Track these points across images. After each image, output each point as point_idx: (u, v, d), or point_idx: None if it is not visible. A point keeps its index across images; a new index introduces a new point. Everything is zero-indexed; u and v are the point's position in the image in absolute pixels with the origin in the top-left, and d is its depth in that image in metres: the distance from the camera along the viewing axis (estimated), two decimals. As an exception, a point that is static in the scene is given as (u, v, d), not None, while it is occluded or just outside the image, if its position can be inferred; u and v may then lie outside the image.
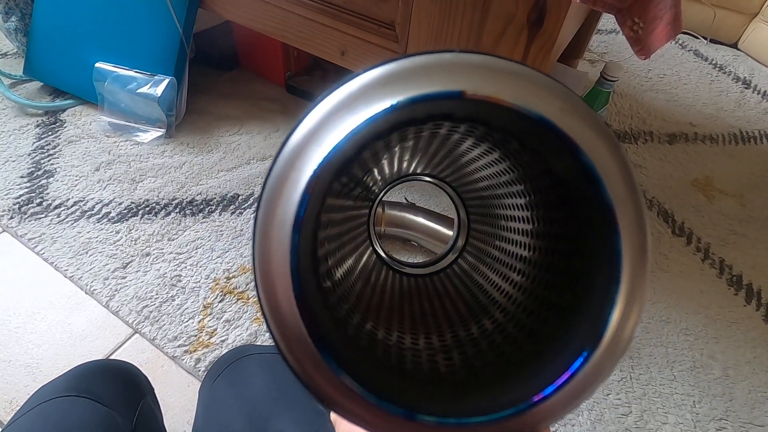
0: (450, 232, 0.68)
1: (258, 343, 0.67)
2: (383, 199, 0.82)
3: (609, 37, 1.56)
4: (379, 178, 0.26)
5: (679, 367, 0.70)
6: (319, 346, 0.12)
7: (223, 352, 0.66)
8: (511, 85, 0.11)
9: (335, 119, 0.11)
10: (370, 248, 0.30)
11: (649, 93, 1.30)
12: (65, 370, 0.61)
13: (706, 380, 0.69)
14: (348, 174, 0.15)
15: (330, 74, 1.16)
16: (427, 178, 0.28)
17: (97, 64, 0.94)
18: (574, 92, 0.11)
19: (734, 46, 1.57)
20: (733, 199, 1.00)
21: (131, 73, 0.93)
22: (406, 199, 0.85)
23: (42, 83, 1.04)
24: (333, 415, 0.20)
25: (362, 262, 0.25)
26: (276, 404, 0.44)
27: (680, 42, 1.56)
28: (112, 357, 0.65)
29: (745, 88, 1.37)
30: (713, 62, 1.47)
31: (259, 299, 0.12)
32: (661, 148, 1.11)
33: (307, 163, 0.11)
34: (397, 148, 0.19)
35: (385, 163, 0.22)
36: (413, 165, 0.27)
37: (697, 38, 1.57)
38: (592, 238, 0.12)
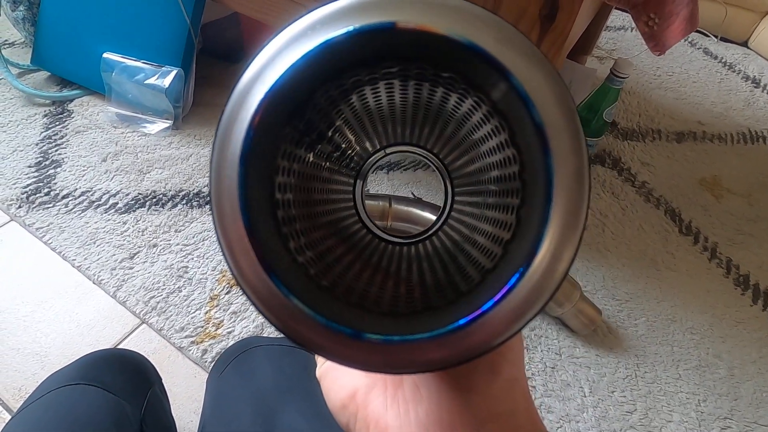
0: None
1: (265, 335, 0.67)
2: (392, 194, 0.81)
3: (618, 34, 1.55)
4: (356, 145, 0.26)
5: (684, 366, 0.70)
6: (269, 271, 0.12)
7: (230, 344, 0.66)
8: (445, 16, 0.11)
9: (278, 59, 0.12)
10: (356, 217, 0.30)
11: (657, 91, 1.29)
12: (73, 359, 0.62)
13: (711, 379, 0.69)
14: (303, 120, 0.16)
15: (337, 68, 1.16)
16: (405, 148, 0.28)
17: (104, 55, 0.94)
18: (512, 26, 0.12)
19: (744, 44, 1.55)
20: (741, 198, 1.00)
21: (139, 63, 0.93)
22: (413, 193, 0.85)
23: (49, 73, 1.04)
24: (318, 372, 0.21)
25: (342, 225, 0.26)
26: (284, 396, 0.44)
27: (690, 40, 1.54)
28: (119, 347, 0.66)
29: (755, 87, 1.36)
30: (723, 60, 1.46)
31: (217, 235, 0.13)
32: (669, 147, 1.11)
33: (252, 100, 0.12)
34: (359, 105, 0.20)
35: (354, 124, 0.22)
36: (393, 136, 0.27)
37: (707, 36, 1.55)
38: (530, 163, 0.12)
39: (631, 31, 1.57)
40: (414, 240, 0.30)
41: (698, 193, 0.99)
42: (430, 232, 0.29)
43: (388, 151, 0.29)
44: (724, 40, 1.55)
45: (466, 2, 0.12)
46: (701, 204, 0.97)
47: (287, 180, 0.16)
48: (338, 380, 0.20)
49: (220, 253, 0.14)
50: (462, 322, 0.12)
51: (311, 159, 0.20)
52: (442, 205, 0.29)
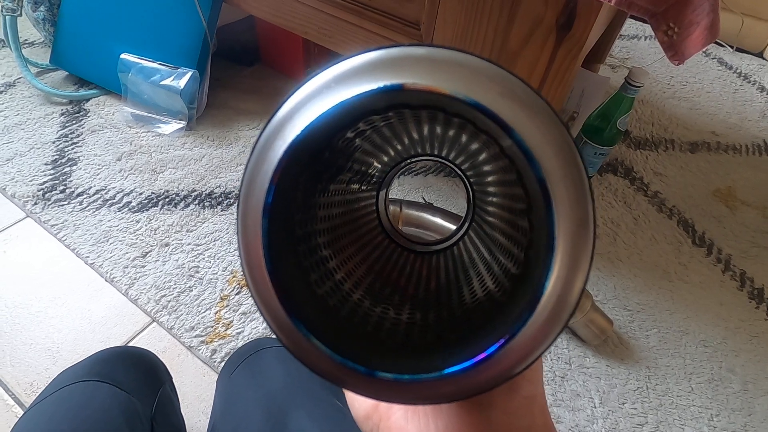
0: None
1: (274, 336, 0.68)
2: (403, 198, 0.81)
3: (631, 43, 1.54)
4: (376, 164, 0.27)
5: (696, 379, 0.69)
6: (290, 314, 0.14)
7: (239, 344, 0.66)
8: (450, 74, 0.12)
9: (296, 116, 0.13)
10: (378, 228, 0.31)
11: (671, 100, 1.29)
12: (85, 355, 0.62)
13: (724, 394, 0.68)
14: (321, 162, 0.17)
15: (349, 72, 1.16)
16: (429, 158, 0.29)
17: (122, 56, 0.95)
18: (516, 77, 0.12)
19: (760, 55, 1.54)
20: (756, 210, 0.98)
21: (155, 65, 0.94)
22: (423, 198, 0.85)
23: (67, 73, 1.06)
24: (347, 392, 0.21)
25: (364, 239, 0.27)
26: (294, 398, 0.44)
27: (704, 49, 1.53)
28: (130, 344, 0.66)
29: (771, 98, 1.35)
30: (738, 71, 1.44)
31: (244, 276, 0.14)
32: (683, 157, 1.10)
33: (273, 156, 0.13)
34: (376, 136, 0.21)
35: (372, 150, 0.24)
36: (413, 150, 0.28)
37: (723, 46, 1.54)
38: (535, 208, 0.13)
39: (645, 39, 1.57)
40: (436, 248, 0.30)
41: (712, 204, 0.98)
42: (454, 239, 0.30)
43: (411, 160, 0.29)
44: (739, 50, 1.54)
45: (471, 56, 0.12)
46: (715, 215, 0.96)
47: (307, 215, 0.18)
48: (362, 402, 0.20)
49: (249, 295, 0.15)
50: (467, 364, 0.13)
51: (331, 188, 0.21)
52: (465, 213, 0.29)
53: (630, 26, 1.61)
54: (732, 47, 1.53)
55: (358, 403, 0.20)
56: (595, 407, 0.65)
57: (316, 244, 0.19)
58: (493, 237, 0.23)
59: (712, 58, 1.49)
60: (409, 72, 0.12)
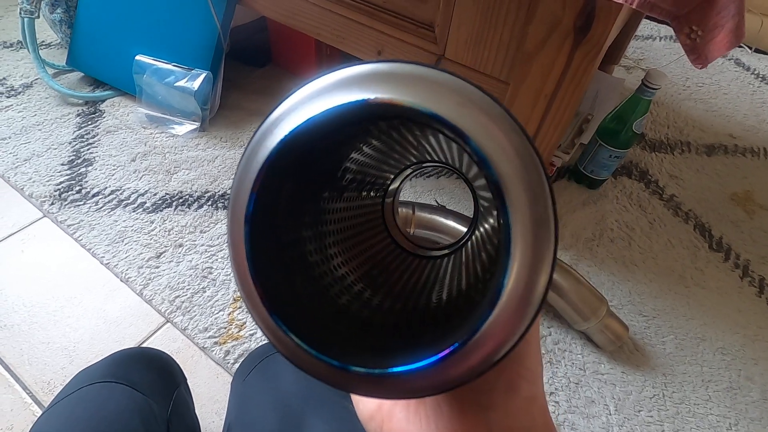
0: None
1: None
2: (416, 201, 0.81)
3: (646, 43, 1.52)
4: (374, 172, 0.28)
5: (714, 387, 0.68)
6: (271, 312, 0.15)
7: (252, 346, 0.67)
8: (411, 88, 0.13)
9: (271, 131, 0.14)
10: (383, 232, 0.32)
11: (686, 102, 1.27)
12: (100, 354, 0.63)
13: (743, 402, 0.67)
14: (307, 172, 0.18)
15: (361, 73, 1.16)
16: (434, 164, 0.30)
17: (137, 57, 0.96)
18: (475, 86, 0.13)
19: (779, 56, 1.51)
20: (775, 215, 0.96)
21: (170, 66, 0.95)
22: (436, 201, 0.84)
23: (83, 74, 1.08)
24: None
25: (367, 243, 0.28)
26: (308, 402, 0.44)
27: (721, 50, 1.51)
28: (144, 344, 0.67)
29: (790, 100, 1.32)
30: (755, 72, 1.42)
31: (234, 279, 0.16)
32: (699, 160, 1.08)
33: (254, 167, 0.14)
34: (367, 148, 0.22)
35: (364, 160, 0.25)
36: (408, 160, 0.29)
37: (741, 47, 1.51)
38: (498, 209, 0.14)
39: (660, 40, 1.55)
40: (439, 253, 0.31)
41: (729, 208, 0.97)
42: (460, 243, 0.30)
43: (418, 167, 0.30)
44: (758, 51, 1.51)
45: (432, 70, 0.13)
46: (732, 220, 0.94)
47: (297, 221, 0.19)
48: (370, 404, 0.20)
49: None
50: (433, 359, 0.13)
51: (328, 194, 0.22)
52: (473, 215, 0.30)
53: (645, 26, 1.58)
54: (750, 48, 1.50)
55: (363, 404, 0.20)
56: (610, 414, 0.64)
57: (308, 250, 0.20)
58: (487, 239, 0.24)
59: (729, 59, 1.47)
60: (374, 87, 0.13)
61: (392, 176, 0.32)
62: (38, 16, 0.97)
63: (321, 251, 0.22)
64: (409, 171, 0.31)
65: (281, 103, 0.15)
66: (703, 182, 1.02)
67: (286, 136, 0.14)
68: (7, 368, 0.63)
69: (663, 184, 1.00)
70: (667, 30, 1.59)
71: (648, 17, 1.61)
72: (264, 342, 0.67)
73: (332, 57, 1.14)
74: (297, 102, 0.14)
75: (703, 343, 0.73)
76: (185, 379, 0.52)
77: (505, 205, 0.12)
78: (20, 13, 0.94)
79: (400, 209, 0.77)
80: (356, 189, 0.27)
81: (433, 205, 0.81)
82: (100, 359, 0.47)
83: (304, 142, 0.14)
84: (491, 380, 0.17)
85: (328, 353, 0.15)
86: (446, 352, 0.13)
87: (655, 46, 1.51)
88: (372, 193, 0.30)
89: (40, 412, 0.60)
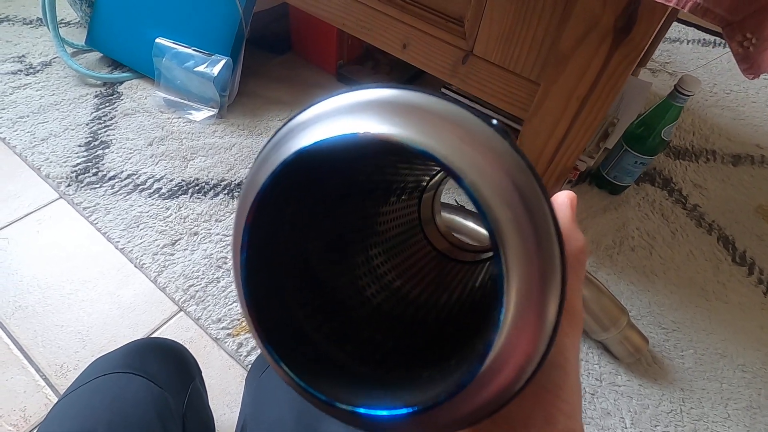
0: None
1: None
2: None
3: (673, 46, 1.48)
4: (403, 180, 0.27)
5: (734, 405, 0.67)
6: (266, 343, 0.15)
7: (265, 340, 0.66)
8: (408, 120, 0.12)
9: (265, 162, 0.14)
10: (419, 234, 0.31)
11: (713, 109, 1.23)
12: (113, 340, 0.62)
13: (763, 422, 0.65)
14: (307, 198, 0.17)
15: (381, 65, 1.14)
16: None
17: (157, 40, 0.95)
18: (482, 118, 0.12)
19: (810, 65, 1.46)
20: (801, 230, 0.94)
21: (189, 51, 0.94)
22: (456, 201, 0.83)
23: (101, 54, 1.06)
24: None
25: (404, 245, 0.28)
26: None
27: (751, 57, 1.46)
28: (157, 333, 0.66)
29: (821, 111, 1.28)
30: (786, 81, 1.38)
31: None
32: (724, 170, 1.05)
33: (250, 195, 0.14)
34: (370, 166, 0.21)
35: (391, 170, 0.24)
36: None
37: (770, 54, 1.47)
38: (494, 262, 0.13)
39: (687, 43, 1.50)
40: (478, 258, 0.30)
41: (754, 221, 0.94)
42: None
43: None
44: (788, 59, 1.46)
45: (439, 100, 0.12)
46: (757, 233, 0.91)
47: (304, 243, 0.18)
48: None
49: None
50: (415, 409, 0.13)
51: (340, 211, 0.21)
52: None
53: (673, 29, 1.54)
54: (781, 55, 1.46)
55: None
56: (626, 428, 0.63)
57: (316, 279, 0.19)
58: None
59: (759, 66, 1.42)
60: (367, 119, 0.12)
61: (426, 178, 0.30)
62: (59, -6, 0.95)
63: (348, 257, 0.21)
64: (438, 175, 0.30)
65: (281, 128, 0.14)
66: (728, 193, 0.99)
67: (276, 168, 0.13)
68: (21, 349, 0.63)
69: (686, 193, 0.98)
70: (695, 33, 1.54)
71: (679, 20, 1.57)
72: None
73: (353, 47, 1.12)
74: (295, 126, 0.14)
75: (724, 359, 0.72)
76: (200, 372, 0.51)
77: (499, 256, 0.11)
78: (41, -10, 0.93)
79: None
80: (382, 197, 0.26)
81: (452, 204, 0.79)
82: (116, 347, 0.46)
83: (298, 170, 0.14)
84: (527, 413, 0.16)
85: (316, 386, 0.14)
86: (430, 404, 0.13)
87: (683, 49, 1.47)
88: (403, 197, 0.29)
89: (53, 395, 0.60)
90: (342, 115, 0.13)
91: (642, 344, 0.67)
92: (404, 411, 0.13)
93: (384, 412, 0.13)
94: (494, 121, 0.12)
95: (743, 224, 0.93)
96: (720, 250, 0.88)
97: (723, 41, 1.53)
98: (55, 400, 0.60)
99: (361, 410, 0.13)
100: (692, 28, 1.56)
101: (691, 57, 1.44)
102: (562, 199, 0.19)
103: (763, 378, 0.70)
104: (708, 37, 1.53)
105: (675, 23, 1.55)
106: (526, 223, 0.11)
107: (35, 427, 0.57)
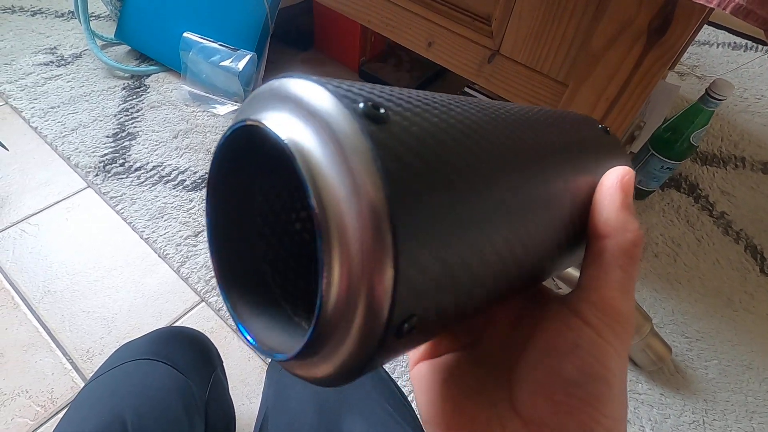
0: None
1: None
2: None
3: (702, 49, 1.45)
4: None
5: (759, 419, 0.65)
6: (220, 285, 0.16)
7: (284, 333, 0.67)
8: (263, 103, 0.12)
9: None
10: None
11: (743, 114, 1.20)
12: (137, 327, 0.64)
13: (790, 438, 0.63)
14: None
15: (404, 63, 1.14)
16: None
17: (184, 34, 0.96)
18: (337, 101, 0.11)
19: None
20: (834, 242, 0.91)
21: (216, 45, 0.95)
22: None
23: (129, 47, 1.09)
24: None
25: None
26: (347, 399, 0.44)
27: (785, 61, 1.42)
28: (179, 322, 0.68)
29: None
30: (821, 87, 1.33)
31: None
32: (754, 177, 1.02)
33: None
34: None
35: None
36: None
37: (806, 59, 1.42)
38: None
39: (717, 47, 1.46)
40: None
41: (785, 230, 0.91)
42: None
43: None
44: (824, 64, 1.41)
45: (309, 81, 0.12)
46: (787, 243, 0.89)
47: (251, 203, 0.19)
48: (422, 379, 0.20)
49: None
50: (286, 357, 0.13)
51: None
52: None
53: (703, 31, 1.50)
54: (817, 60, 1.41)
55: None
56: (646, 436, 0.62)
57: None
58: None
59: (793, 72, 1.38)
60: (256, 108, 0.12)
61: None
62: (91, -12, 0.98)
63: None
64: None
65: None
66: (758, 201, 0.97)
67: (219, 142, 0.14)
68: (49, 333, 0.65)
69: (713, 200, 0.95)
70: (726, 36, 1.50)
71: (710, 23, 1.53)
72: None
73: (376, 44, 1.12)
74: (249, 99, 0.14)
75: (749, 371, 0.70)
76: (222, 362, 0.52)
77: (320, 238, 0.11)
78: (75, -16, 0.95)
79: None
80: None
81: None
82: (140, 335, 0.47)
83: (238, 141, 0.14)
84: (561, 424, 0.15)
85: (247, 326, 0.15)
86: (301, 345, 0.12)
87: (712, 52, 1.43)
88: None
89: (79, 379, 0.62)
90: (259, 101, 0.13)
91: (665, 353, 0.65)
92: (283, 357, 0.13)
93: (278, 356, 0.14)
94: (361, 105, 0.11)
95: (773, 234, 0.90)
96: (747, 260, 0.85)
97: (755, 45, 1.48)
98: (81, 383, 0.61)
99: (278, 356, 0.14)
100: (723, 31, 1.52)
101: (721, 61, 1.40)
102: (611, 181, 0.17)
103: (790, 392, 0.68)
104: (739, 40, 1.49)
105: (705, 26, 1.51)
106: (343, 209, 0.11)
107: (61, 408, 0.59)
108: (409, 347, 0.13)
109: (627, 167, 0.17)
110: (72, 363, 0.63)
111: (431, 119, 0.13)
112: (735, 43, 1.48)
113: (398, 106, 0.12)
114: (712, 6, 0.43)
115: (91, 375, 0.50)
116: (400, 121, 0.12)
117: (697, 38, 1.49)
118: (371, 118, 0.11)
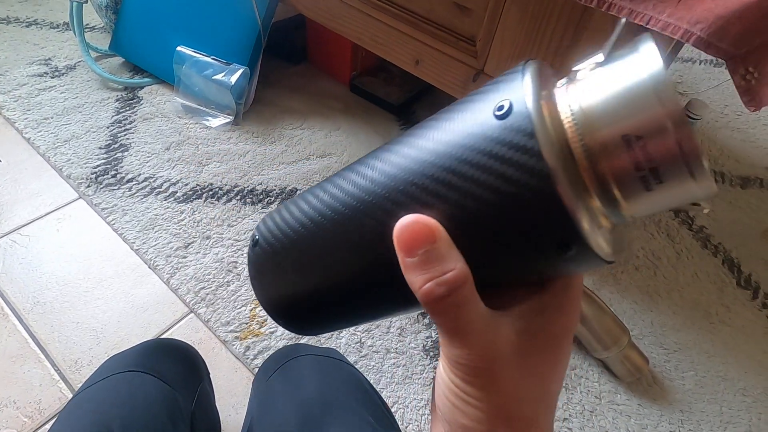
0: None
1: (310, 343, 0.69)
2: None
3: (685, 66, 1.49)
4: None
5: (733, 429, 0.67)
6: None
7: (272, 343, 0.68)
8: None
9: None
10: None
11: (723, 131, 1.24)
12: (126, 338, 0.65)
13: (762, 448, 0.65)
14: None
15: (395, 77, 1.17)
16: None
17: (178, 48, 0.98)
18: None
19: (824, 88, 1.46)
20: (809, 256, 0.94)
21: (209, 59, 0.97)
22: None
23: (123, 59, 1.10)
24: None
25: None
26: (330, 410, 0.45)
27: (763, 79, 1.46)
28: (168, 333, 0.68)
29: (833, 136, 1.28)
30: (798, 104, 1.37)
31: None
32: (732, 192, 1.05)
33: None
34: None
35: None
36: None
37: (783, 77, 1.47)
38: None
39: (700, 64, 1.51)
40: None
41: (761, 244, 0.94)
42: None
43: None
44: (801, 82, 1.46)
45: None
46: (764, 257, 0.92)
47: None
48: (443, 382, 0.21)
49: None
50: None
51: None
52: None
53: (685, 49, 1.55)
54: (794, 78, 1.46)
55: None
56: (623, 446, 0.64)
57: None
58: None
59: (772, 89, 1.42)
60: None
61: None
62: (87, 2, 0.99)
63: None
64: None
65: None
66: (736, 215, 1.00)
67: None
68: (38, 344, 0.66)
69: (693, 214, 0.98)
70: (707, 54, 1.55)
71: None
72: (288, 343, 0.68)
73: (367, 59, 1.14)
74: None
75: (725, 382, 0.72)
76: (209, 374, 0.53)
77: None
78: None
79: None
80: None
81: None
82: (128, 346, 0.48)
83: None
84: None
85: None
86: None
87: (695, 69, 1.48)
88: None
89: (67, 390, 0.62)
90: None
91: (642, 364, 0.67)
92: None
93: None
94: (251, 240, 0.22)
95: (749, 247, 0.93)
96: (725, 273, 0.88)
97: (736, 62, 1.53)
98: (68, 394, 0.62)
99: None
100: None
101: (703, 77, 1.44)
102: (399, 256, 0.16)
103: (763, 403, 0.70)
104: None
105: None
106: None
107: (49, 419, 0.59)
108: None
109: (409, 220, 0.15)
110: (60, 374, 0.63)
111: (276, 245, 0.21)
112: (717, 60, 1.52)
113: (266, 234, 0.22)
114: (677, 38, 0.46)
115: (79, 386, 0.51)
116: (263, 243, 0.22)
117: (680, 56, 1.53)
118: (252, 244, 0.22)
